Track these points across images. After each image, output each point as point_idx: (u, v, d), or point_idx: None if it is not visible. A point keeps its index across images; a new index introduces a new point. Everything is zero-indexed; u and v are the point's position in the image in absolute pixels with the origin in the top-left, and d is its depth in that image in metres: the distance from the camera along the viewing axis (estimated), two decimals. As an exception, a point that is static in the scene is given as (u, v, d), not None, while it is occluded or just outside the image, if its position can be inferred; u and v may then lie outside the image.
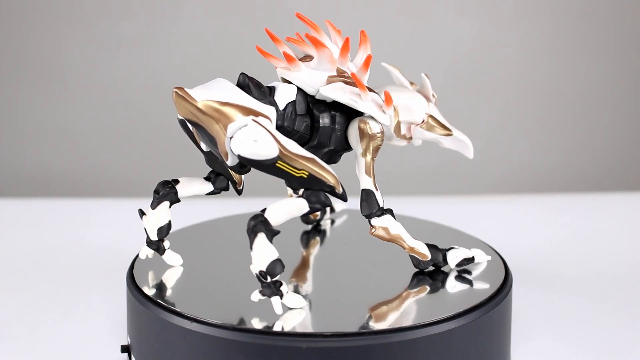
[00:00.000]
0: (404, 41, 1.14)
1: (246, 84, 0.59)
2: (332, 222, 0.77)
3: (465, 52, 1.15)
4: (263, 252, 0.57)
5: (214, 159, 0.63)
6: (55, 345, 0.69)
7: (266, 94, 0.60)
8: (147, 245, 0.66)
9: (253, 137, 0.57)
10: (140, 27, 1.13)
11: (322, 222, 0.77)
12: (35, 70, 1.14)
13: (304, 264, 0.69)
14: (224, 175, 0.65)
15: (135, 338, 0.63)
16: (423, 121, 0.66)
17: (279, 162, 0.58)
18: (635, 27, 1.15)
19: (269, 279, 0.58)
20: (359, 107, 0.61)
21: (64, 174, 1.16)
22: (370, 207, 0.63)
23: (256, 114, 0.58)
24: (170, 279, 0.65)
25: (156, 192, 0.64)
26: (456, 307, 0.60)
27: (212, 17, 1.13)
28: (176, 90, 0.57)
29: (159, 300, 0.61)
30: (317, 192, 0.59)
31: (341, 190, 0.60)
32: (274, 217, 0.58)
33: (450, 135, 0.67)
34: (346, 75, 0.62)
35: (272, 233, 0.57)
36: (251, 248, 0.57)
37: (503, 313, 0.63)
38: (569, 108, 1.18)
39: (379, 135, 0.62)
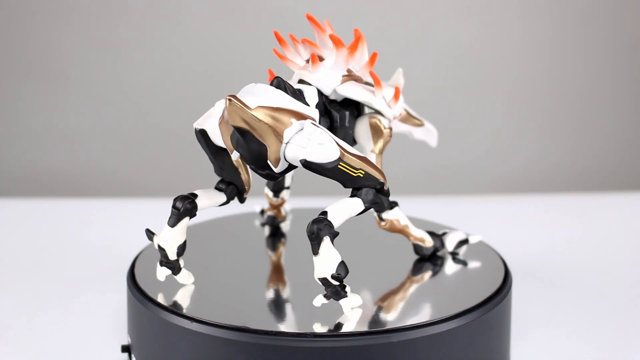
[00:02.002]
0: (404, 41, 1.14)
1: (283, 87, 0.59)
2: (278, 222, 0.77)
3: (466, 52, 1.15)
4: (330, 256, 0.57)
5: (229, 168, 0.62)
6: (55, 345, 0.69)
7: (299, 96, 0.59)
8: (164, 265, 0.62)
9: (318, 140, 0.57)
10: (141, 27, 1.13)
11: (282, 224, 0.76)
12: (36, 70, 1.14)
13: (290, 267, 0.69)
14: (234, 184, 0.63)
15: (135, 338, 0.63)
16: (400, 114, 0.67)
17: (340, 163, 0.57)
18: (635, 27, 1.15)
19: (334, 282, 0.57)
20: (374, 105, 0.62)
21: (64, 174, 1.16)
22: (384, 202, 0.64)
23: (306, 117, 0.57)
24: (170, 278, 0.65)
25: (176, 207, 0.61)
26: (456, 307, 0.60)
27: (213, 18, 1.13)
28: (230, 98, 0.55)
29: (159, 300, 0.61)
30: (368, 191, 0.59)
31: (387, 187, 0.60)
32: (336, 220, 0.58)
33: (422, 125, 0.69)
34: (353, 73, 0.62)
35: (334, 236, 0.57)
36: (317, 253, 0.57)
37: (503, 313, 0.63)
38: (569, 108, 1.18)
39: (388, 130, 0.63)
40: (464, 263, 0.68)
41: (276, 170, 0.57)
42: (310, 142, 0.56)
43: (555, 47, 1.16)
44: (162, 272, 0.63)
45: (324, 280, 0.57)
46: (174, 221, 0.61)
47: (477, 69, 1.15)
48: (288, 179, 0.74)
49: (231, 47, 1.13)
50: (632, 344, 0.69)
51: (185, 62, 1.14)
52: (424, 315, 0.59)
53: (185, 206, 0.61)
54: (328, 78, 0.62)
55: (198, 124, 0.60)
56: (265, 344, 0.56)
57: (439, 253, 0.69)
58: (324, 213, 0.57)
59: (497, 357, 0.63)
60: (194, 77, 1.13)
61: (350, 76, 0.62)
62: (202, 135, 0.60)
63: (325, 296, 0.58)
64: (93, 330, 0.71)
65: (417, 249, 0.68)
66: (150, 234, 0.62)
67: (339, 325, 0.58)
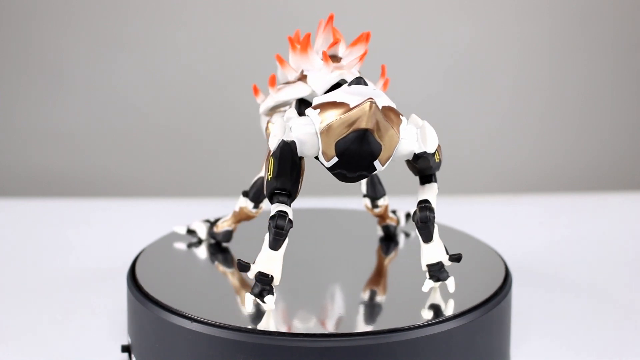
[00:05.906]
0: (403, 40, 1.14)
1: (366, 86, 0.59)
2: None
3: (465, 52, 1.15)
4: (440, 241, 0.59)
5: (296, 178, 0.58)
6: (55, 345, 0.69)
7: None
8: (269, 293, 0.58)
9: (427, 131, 0.58)
10: (142, 28, 1.13)
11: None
12: (36, 70, 1.14)
13: (289, 266, 0.69)
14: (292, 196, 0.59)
15: (135, 338, 0.63)
16: None
17: (436, 152, 0.58)
18: (635, 27, 1.15)
19: (448, 264, 0.60)
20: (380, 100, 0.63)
21: (63, 174, 1.16)
22: (382, 189, 0.71)
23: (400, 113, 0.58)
24: (170, 279, 0.65)
25: (280, 228, 0.57)
26: (456, 307, 0.60)
27: (214, 19, 1.13)
28: (372, 101, 0.55)
29: (159, 300, 0.61)
30: (436, 175, 0.61)
31: None
32: (435, 207, 0.60)
33: None
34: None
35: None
36: (430, 240, 0.59)
37: (503, 313, 0.63)
38: (568, 108, 1.18)
39: None
40: (407, 234, 0.73)
41: (382, 168, 0.57)
42: (421, 134, 0.58)
43: (555, 47, 1.16)
44: (271, 300, 0.58)
45: (436, 265, 0.60)
46: (279, 243, 0.57)
47: (476, 68, 1.15)
48: None
49: (232, 48, 1.13)
50: (633, 344, 0.69)
51: (185, 63, 1.14)
52: (423, 315, 0.59)
53: (287, 227, 0.57)
54: (352, 76, 0.62)
55: (287, 137, 0.57)
56: (266, 344, 0.56)
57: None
58: (427, 201, 0.59)
59: (497, 357, 0.63)
60: (194, 78, 1.13)
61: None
62: (291, 146, 0.57)
63: (433, 279, 0.60)
64: (93, 330, 0.71)
65: (389, 229, 0.73)
66: (244, 264, 0.58)
67: (339, 326, 0.58)
